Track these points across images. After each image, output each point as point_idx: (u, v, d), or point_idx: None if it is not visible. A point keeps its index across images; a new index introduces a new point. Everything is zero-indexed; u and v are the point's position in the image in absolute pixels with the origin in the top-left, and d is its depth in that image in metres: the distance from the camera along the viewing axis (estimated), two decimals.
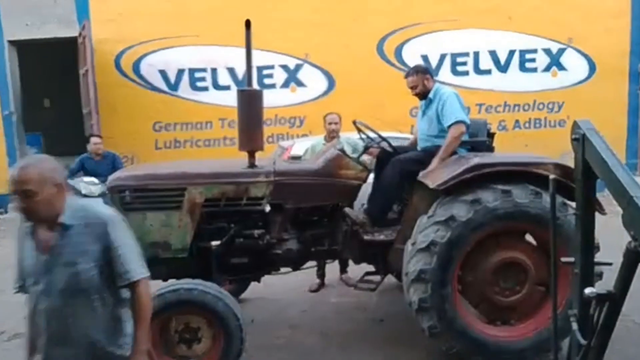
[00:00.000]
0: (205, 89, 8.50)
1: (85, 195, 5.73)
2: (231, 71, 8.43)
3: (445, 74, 8.36)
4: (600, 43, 8.19)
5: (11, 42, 8.52)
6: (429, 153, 3.34)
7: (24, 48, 8.83)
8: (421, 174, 3.16)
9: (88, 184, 5.84)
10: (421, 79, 3.50)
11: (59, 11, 8.36)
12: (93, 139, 6.31)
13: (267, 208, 3.26)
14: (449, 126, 3.28)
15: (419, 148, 3.60)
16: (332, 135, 4.64)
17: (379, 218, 3.40)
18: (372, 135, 3.57)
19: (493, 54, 8.34)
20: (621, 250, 1.45)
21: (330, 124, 4.67)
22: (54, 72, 11.88)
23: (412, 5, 8.26)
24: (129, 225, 2.99)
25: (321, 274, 4.39)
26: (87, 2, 8.29)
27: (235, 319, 2.78)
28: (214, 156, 8.18)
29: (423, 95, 3.55)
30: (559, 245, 2.04)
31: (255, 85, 3.30)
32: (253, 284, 4.04)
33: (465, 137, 3.44)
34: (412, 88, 3.54)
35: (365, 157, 3.62)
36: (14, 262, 5.84)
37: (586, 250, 1.83)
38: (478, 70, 8.40)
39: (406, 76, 3.59)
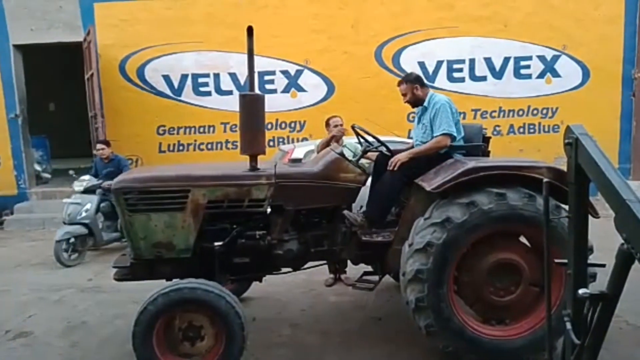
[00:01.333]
0: (208, 93, 8.59)
1: (75, 191, 6.07)
2: (233, 76, 8.52)
3: (441, 80, 8.46)
4: (594, 50, 8.29)
5: (17, 47, 8.61)
6: (427, 157, 3.42)
7: (29, 52, 8.92)
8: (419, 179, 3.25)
9: (79, 181, 6.13)
10: (410, 88, 3.62)
11: (64, 16, 8.46)
12: (98, 145, 6.61)
13: (269, 210, 3.32)
14: (436, 136, 3.42)
15: None
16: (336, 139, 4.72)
17: (377, 220, 3.47)
18: (370, 139, 3.65)
19: (488, 60, 8.44)
20: (614, 252, 1.51)
21: (335, 126, 4.76)
22: (59, 76, 11.98)
23: (410, 13, 8.37)
24: (134, 226, 3.09)
25: (334, 270, 4.43)
26: (92, 7, 8.39)
27: (237, 318, 2.82)
28: (216, 159, 8.27)
29: (414, 103, 3.67)
30: (553, 247, 2.08)
31: (256, 91, 3.36)
32: (255, 284, 4.11)
33: (460, 142, 3.54)
34: (403, 95, 3.68)
35: (364, 161, 3.71)
36: (19, 262, 5.94)
37: (579, 251, 1.87)
38: (474, 77, 8.50)
39: (398, 84, 3.72)
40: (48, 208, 8.38)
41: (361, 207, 3.56)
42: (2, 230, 8.00)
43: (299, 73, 8.54)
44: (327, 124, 4.89)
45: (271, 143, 8.30)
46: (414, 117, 3.88)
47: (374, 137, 3.63)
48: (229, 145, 8.61)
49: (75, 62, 8.94)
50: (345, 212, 3.40)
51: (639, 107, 8.41)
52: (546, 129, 8.54)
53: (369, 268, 3.89)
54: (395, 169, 3.38)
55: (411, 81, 3.63)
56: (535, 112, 8.52)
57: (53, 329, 3.92)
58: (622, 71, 8.35)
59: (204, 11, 8.39)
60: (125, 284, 3.45)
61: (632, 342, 3.41)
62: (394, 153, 3.62)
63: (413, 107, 3.74)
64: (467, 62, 8.44)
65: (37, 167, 9.48)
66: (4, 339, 3.79)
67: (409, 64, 8.42)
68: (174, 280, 3.13)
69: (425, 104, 3.60)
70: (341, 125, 4.77)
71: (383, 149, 3.66)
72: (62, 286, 4.99)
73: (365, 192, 3.55)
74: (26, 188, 8.83)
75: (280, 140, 8.54)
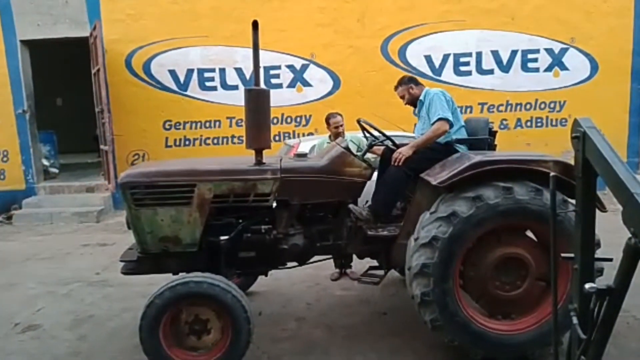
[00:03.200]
0: (214, 88, 8.60)
1: None
2: (239, 71, 8.52)
3: (448, 73, 8.41)
4: (603, 42, 8.19)
5: (23, 42, 8.64)
6: (432, 151, 3.41)
7: (36, 48, 8.96)
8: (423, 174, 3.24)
9: None
10: (406, 89, 3.73)
11: (70, 11, 8.48)
12: None
13: (274, 204, 3.33)
14: (433, 123, 3.45)
15: None
16: (337, 137, 4.72)
17: (383, 214, 3.46)
18: (376, 133, 3.65)
19: (495, 54, 8.36)
20: (621, 247, 1.49)
21: (336, 127, 4.76)
22: (66, 72, 12.05)
23: (416, 6, 8.31)
24: (140, 221, 3.11)
25: (340, 264, 4.44)
26: (98, 2, 8.40)
27: (243, 311, 2.84)
28: (222, 154, 8.29)
29: (412, 102, 3.76)
30: (560, 241, 2.05)
31: (262, 85, 3.36)
32: (260, 278, 4.12)
33: (462, 131, 3.54)
34: (401, 98, 3.80)
35: (369, 155, 3.70)
36: (27, 256, 6.02)
37: (586, 246, 1.86)
38: (481, 70, 8.43)
39: (395, 89, 3.82)
40: (56, 203, 8.46)
41: (367, 201, 3.56)
42: (10, 225, 8.08)
43: (304, 67, 8.53)
44: (328, 122, 4.88)
45: (277, 138, 8.31)
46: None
47: (379, 131, 3.63)
48: (235, 140, 8.63)
49: (82, 57, 8.96)
50: (351, 206, 3.40)
51: None
52: (554, 123, 8.47)
53: (375, 262, 3.89)
54: (400, 164, 3.38)
55: (405, 82, 3.74)
56: (542, 105, 8.45)
57: (61, 322, 3.97)
58: (631, 64, 8.25)
59: (210, 5, 8.38)
60: (133, 277, 3.48)
61: (639, 337, 3.39)
62: (399, 147, 3.60)
63: (413, 106, 3.82)
64: (474, 56, 8.38)
65: (45, 162, 9.55)
66: (13, 332, 3.84)
67: (416, 57, 8.38)
68: (181, 274, 3.15)
69: (421, 98, 3.68)
70: (341, 125, 4.76)
71: (389, 143, 3.65)
72: (70, 280, 5.05)
73: (371, 186, 3.55)
74: (34, 183, 8.90)
75: (286, 134, 8.54)
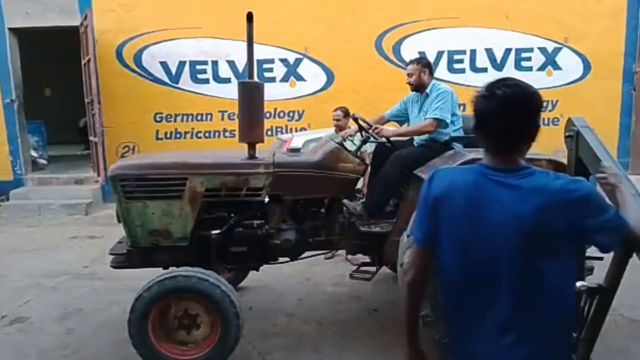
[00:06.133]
0: (206, 81, 8.51)
1: None
2: (232, 64, 8.44)
3: (442, 70, 8.39)
4: (596, 43, 8.22)
5: (12, 30, 8.45)
6: (428, 149, 3.41)
7: (24, 36, 8.79)
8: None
9: None
10: (419, 71, 3.58)
11: (60, 0, 8.33)
12: None
13: (266, 199, 3.31)
14: (427, 118, 3.42)
15: (415, 144, 3.67)
16: (337, 130, 4.75)
17: (376, 211, 3.46)
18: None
19: (489, 52, 8.37)
20: None
21: (334, 119, 4.81)
22: (55, 61, 11.85)
23: (411, 2, 8.27)
24: (130, 214, 3.08)
25: (331, 256, 4.43)
26: None
27: (232, 306, 2.82)
28: (213, 147, 8.22)
29: (416, 87, 3.63)
30: None
31: (255, 79, 3.33)
32: (251, 273, 4.10)
33: (460, 133, 3.53)
34: (408, 75, 3.65)
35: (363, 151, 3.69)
36: (15, 248, 5.92)
37: None
38: (474, 68, 8.44)
39: (408, 63, 3.72)
40: (44, 194, 8.34)
41: (359, 197, 3.55)
42: None
43: (298, 62, 8.47)
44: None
45: (269, 132, 8.24)
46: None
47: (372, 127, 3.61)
48: (227, 134, 8.56)
49: (72, 47, 8.82)
50: (345, 201, 3.39)
51: (639, 102, 8.39)
52: (545, 122, 8.49)
53: (366, 258, 3.89)
54: (376, 134, 3.45)
55: (423, 64, 3.62)
56: None
57: (49, 315, 3.92)
58: (623, 65, 8.30)
59: None
60: (122, 271, 3.44)
61: (626, 336, 3.43)
62: (393, 144, 3.60)
63: (413, 90, 3.69)
64: (468, 53, 8.38)
65: (33, 153, 9.40)
66: (0, 324, 3.79)
67: (410, 54, 8.32)
68: (171, 268, 3.12)
69: (428, 91, 3.58)
70: (339, 120, 4.81)
71: (382, 139, 3.63)
72: (58, 272, 4.99)
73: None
74: (22, 174, 8.76)
75: (279, 129, 8.49)
